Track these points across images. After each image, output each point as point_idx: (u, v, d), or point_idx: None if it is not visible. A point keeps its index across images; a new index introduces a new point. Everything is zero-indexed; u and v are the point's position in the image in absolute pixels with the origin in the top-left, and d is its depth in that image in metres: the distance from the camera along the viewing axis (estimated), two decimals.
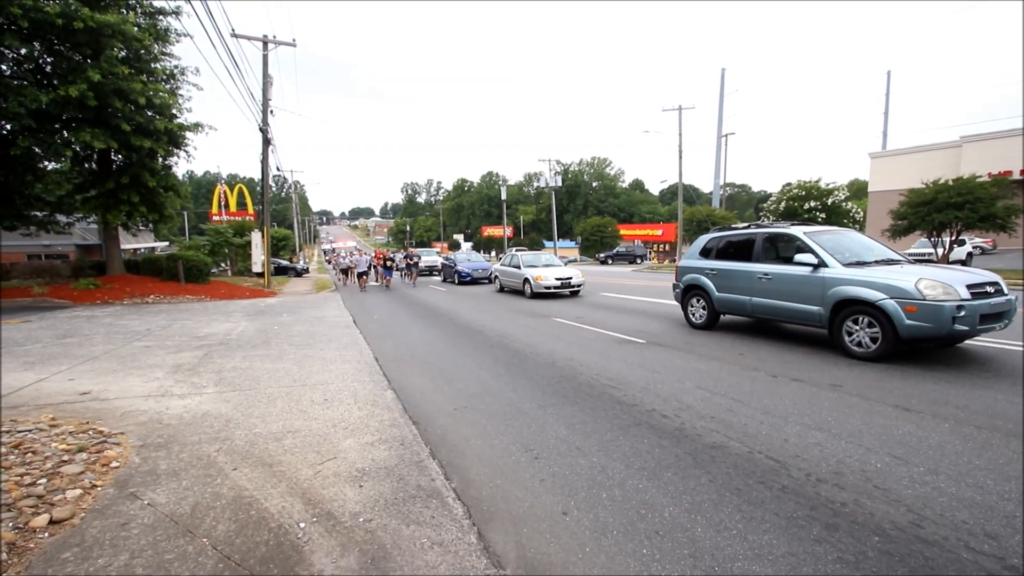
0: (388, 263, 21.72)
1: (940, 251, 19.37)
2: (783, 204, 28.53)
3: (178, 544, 2.54)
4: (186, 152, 17.63)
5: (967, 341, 6.32)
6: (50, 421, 4.27)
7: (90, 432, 4.05)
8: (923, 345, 6.01)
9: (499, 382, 5.70)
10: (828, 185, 28.32)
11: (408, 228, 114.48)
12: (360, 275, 20.73)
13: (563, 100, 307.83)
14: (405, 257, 23.63)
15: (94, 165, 16.62)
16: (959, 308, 5.17)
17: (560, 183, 63.73)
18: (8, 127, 13.83)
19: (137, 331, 9.54)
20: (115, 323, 10.66)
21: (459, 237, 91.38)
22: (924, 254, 21.12)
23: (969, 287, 5.35)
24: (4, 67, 13.81)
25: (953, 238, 18.91)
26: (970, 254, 23.05)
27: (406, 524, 2.74)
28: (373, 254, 26.50)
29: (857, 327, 5.92)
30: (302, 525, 2.73)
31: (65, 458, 3.48)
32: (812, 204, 27.25)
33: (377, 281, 23.50)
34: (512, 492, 3.12)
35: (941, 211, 17.59)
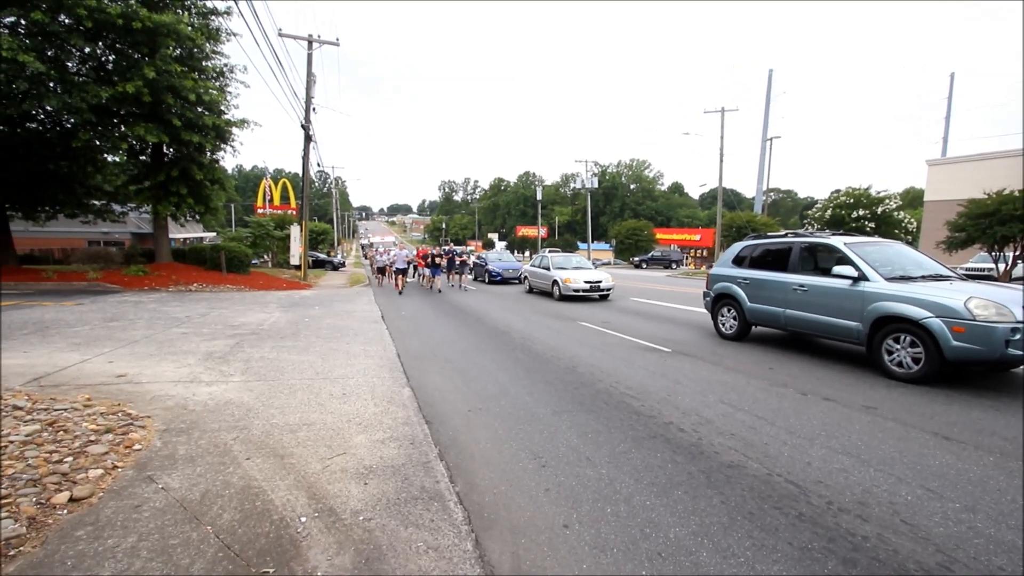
0: (437, 259, 17.95)
1: (1002, 267, 18.09)
2: (829, 212, 27.25)
3: (184, 530, 2.61)
4: (232, 147, 18.39)
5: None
6: (85, 401, 4.49)
7: (120, 414, 4.23)
8: (972, 369, 5.60)
9: (517, 385, 5.65)
10: (879, 193, 26.90)
11: (444, 226, 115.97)
12: (398, 273, 17.70)
13: (602, 100, 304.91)
14: (447, 253, 19.05)
15: (147, 158, 17.53)
16: (1014, 331, 4.78)
17: (596, 184, 63.06)
18: (72, 120, 14.71)
19: (177, 318, 9.98)
20: (158, 309, 11.19)
21: (494, 236, 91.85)
22: (983, 269, 19.77)
23: None
24: (70, 64, 14.71)
25: (1017, 253, 17.62)
26: None
27: (405, 526, 2.72)
28: (414, 252, 22.74)
29: (898, 346, 5.57)
30: (303, 519, 2.76)
31: (93, 438, 3.64)
32: (861, 213, 25.92)
33: (417, 280, 21.13)
34: (515, 500, 3.06)
35: (1004, 224, 16.41)
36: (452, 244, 20.52)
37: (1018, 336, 4.78)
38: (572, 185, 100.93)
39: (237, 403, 4.78)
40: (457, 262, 19.17)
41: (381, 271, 20.99)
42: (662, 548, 2.54)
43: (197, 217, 19.99)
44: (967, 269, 19.82)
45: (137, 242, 31.69)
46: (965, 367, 5.36)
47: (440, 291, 17.45)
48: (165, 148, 17.07)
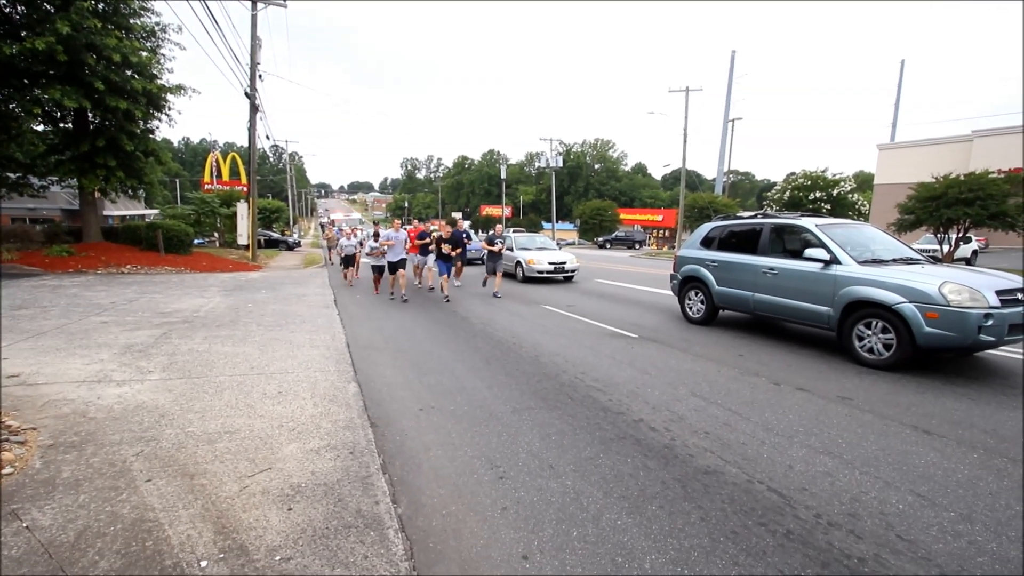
0: (444, 248, 11.13)
1: (946, 248, 18.85)
2: (787, 194, 27.84)
3: None
4: (167, 116, 16.81)
5: (989, 350, 5.83)
6: None
7: None
8: (942, 355, 5.53)
9: (475, 378, 5.20)
10: (834, 176, 27.61)
11: (407, 204, 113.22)
12: (393, 267, 10.89)
13: (567, 79, 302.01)
14: (456, 237, 11.48)
15: (70, 125, 15.78)
16: (987, 316, 4.66)
17: (561, 164, 62.41)
18: None
19: (100, 304, 8.98)
20: (80, 294, 10.08)
21: (457, 215, 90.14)
22: (929, 251, 20.63)
23: (999, 293, 4.83)
24: None
25: (960, 235, 18.38)
26: (975, 252, 22.53)
27: (330, 566, 2.25)
28: (405, 234, 11.50)
29: (869, 332, 5.41)
30: (203, 564, 2.23)
31: None
32: (817, 195, 26.57)
33: (419, 279, 13.31)
34: (467, 524, 2.63)
35: (951, 207, 17.01)
36: (462, 221, 12.14)
37: (990, 322, 4.66)
38: (537, 164, 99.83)
39: (150, 407, 4.13)
40: (486, 250, 11.82)
41: (348, 262, 13.94)
42: None
43: (130, 192, 18.32)
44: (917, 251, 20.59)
45: (67, 219, 29.16)
46: (936, 353, 5.26)
47: (447, 298, 10.61)
48: (90, 115, 15.40)
